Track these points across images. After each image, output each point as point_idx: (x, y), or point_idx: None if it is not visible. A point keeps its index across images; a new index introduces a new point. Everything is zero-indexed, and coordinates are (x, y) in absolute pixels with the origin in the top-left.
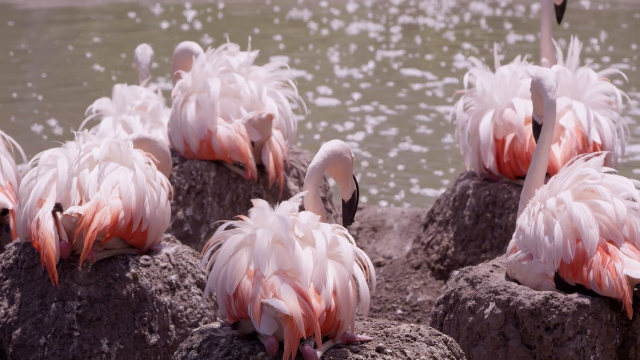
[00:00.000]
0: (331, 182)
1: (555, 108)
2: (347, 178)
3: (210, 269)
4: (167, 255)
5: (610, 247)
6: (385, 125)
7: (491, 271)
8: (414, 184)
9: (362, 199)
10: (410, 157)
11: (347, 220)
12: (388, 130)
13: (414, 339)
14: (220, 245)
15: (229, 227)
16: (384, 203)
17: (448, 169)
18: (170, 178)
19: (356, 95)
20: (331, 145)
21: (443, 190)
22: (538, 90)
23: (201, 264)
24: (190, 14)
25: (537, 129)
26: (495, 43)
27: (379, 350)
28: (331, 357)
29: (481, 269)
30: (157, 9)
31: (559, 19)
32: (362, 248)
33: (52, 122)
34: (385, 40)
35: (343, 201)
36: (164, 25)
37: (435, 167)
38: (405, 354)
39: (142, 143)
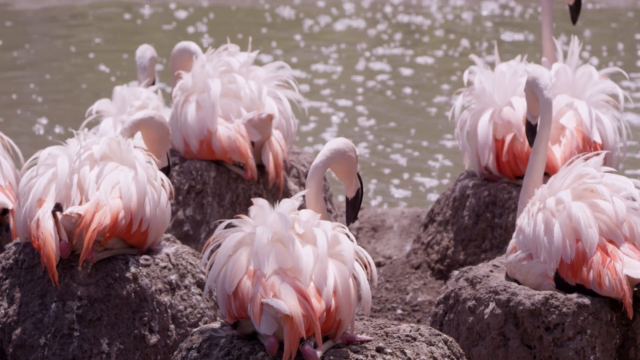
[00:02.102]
0: (332, 182)
1: (552, 107)
2: (351, 176)
3: (209, 269)
4: (167, 255)
5: (610, 247)
6: (384, 124)
7: (491, 271)
8: (413, 184)
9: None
10: (410, 157)
11: (350, 218)
12: (386, 129)
13: (414, 339)
14: (220, 245)
15: (229, 226)
16: (376, 201)
17: (447, 168)
18: (170, 178)
19: (355, 95)
20: (335, 144)
21: (442, 190)
22: (533, 89)
23: (200, 263)
24: (181, 15)
25: (530, 129)
26: (496, 41)
27: (379, 350)
28: (331, 357)
29: (481, 269)
30: (147, 10)
31: (574, 19)
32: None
33: (53, 123)
34: (385, 39)
35: (347, 199)
36: (161, 26)
37: (434, 166)
38: (405, 354)
39: (138, 127)
